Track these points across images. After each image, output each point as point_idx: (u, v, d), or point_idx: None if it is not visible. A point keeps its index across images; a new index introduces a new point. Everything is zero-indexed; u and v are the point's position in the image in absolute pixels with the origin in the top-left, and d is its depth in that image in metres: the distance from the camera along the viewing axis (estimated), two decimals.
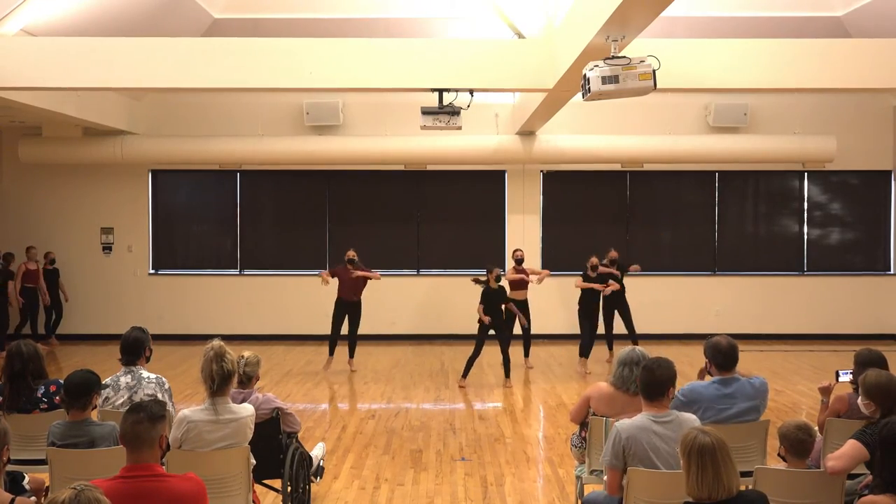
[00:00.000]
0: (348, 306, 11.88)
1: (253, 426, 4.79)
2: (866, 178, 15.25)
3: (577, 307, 12.05)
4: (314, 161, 14.50)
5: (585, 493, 5.03)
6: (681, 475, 3.58)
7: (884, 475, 3.76)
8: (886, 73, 9.16)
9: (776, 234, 15.39)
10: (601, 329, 12.16)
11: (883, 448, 3.79)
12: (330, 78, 9.29)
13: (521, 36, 9.53)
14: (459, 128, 9.63)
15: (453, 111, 9.42)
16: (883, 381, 4.51)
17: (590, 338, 11.81)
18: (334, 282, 11.92)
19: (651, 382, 4.38)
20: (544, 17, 9.19)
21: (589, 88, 6.91)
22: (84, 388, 4.73)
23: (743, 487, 3.83)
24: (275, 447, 5.44)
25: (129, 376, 5.39)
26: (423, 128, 9.63)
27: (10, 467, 4.66)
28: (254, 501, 4.75)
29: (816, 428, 5.23)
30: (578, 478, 5.46)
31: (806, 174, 15.19)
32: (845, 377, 5.41)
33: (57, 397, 5.31)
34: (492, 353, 11.38)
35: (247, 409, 4.81)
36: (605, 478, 4.40)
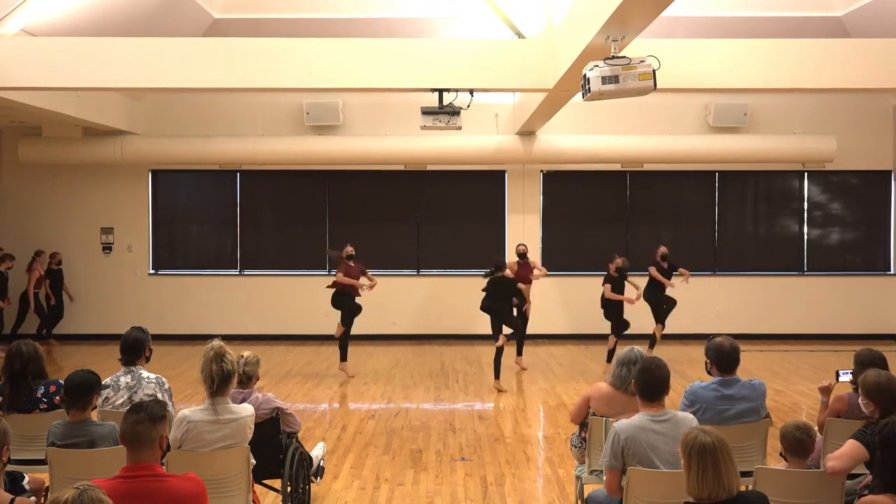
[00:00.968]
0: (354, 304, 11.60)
1: (253, 426, 4.79)
2: (866, 178, 15.25)
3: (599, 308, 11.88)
4: (314, 161, 14.50)
5: (585, 493, 5.02)
6: (680, 475, 3.58)
7: (884, 475, 3.76)
8: (886, 73, 9.16)
9: (776, 234, 15.39)
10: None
11: (883, 448, 3.79)
12: (330, 78, 9.29)
13: (521, 36, 9.53)
14: (459, 128, 9.63)
15: (453, 111, 9.42)
16: (883, 381, 4.51)
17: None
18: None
19: (653, 383, 4.39)
20: (544, 17, 9.19)
21: (589, 88, 6.91)
22: (84, 388, 4.73)
23: (743, 488, 3.83)
24: (275, 447, 5.43)
25: (129, 376, 5.39)
26: (423, 128, 9.63)
27: (10, 467, 4.66)
28: (254, 501, 4.75)
29: (816, 428, 5.24)
30: (578, 478, 5.47)
31: (806, 174, 15.19)
32: (845, 377, 5.41)
33: (57, 397, 5.31)
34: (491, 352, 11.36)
35: (247, 409, 4.81)
36: (605, 478, 4.40)
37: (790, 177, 15.25)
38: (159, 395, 5.28)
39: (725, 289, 15.11)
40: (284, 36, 10.76)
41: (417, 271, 15.21)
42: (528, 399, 10.30)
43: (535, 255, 14.77)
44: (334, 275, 11.55)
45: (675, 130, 14.43)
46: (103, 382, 5.17)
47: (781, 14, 11.82)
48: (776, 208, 15.44)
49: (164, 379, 5.47)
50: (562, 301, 14.79)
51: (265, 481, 5.63)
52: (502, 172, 15.09)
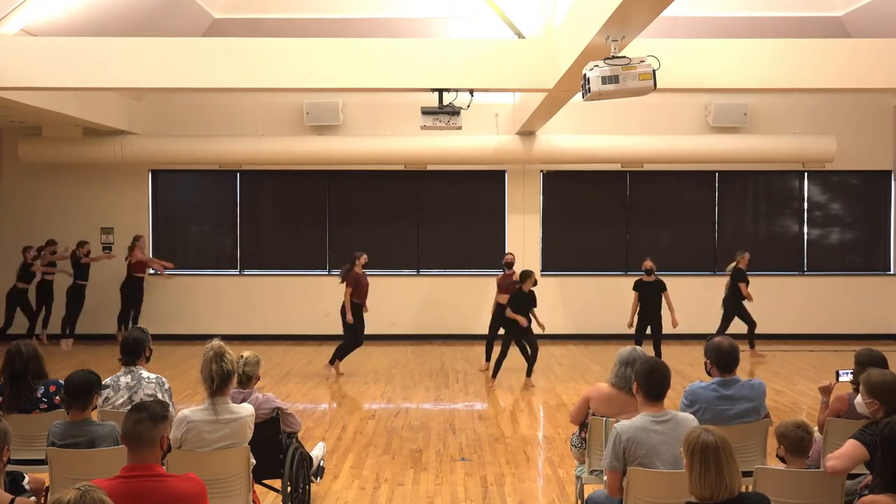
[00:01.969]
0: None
1: (253, 426, 4.80)
2: (866, 178, 15.26)
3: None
4: (314, 161, 14.50)
5: (586, 494, 5.02)
6: (681, 475, 3.58)
7: (884, 475, 3.76)
8: (886, 73, 9.17)
9: (776, 234, 15.39)
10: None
11: (883, 448, 3.79)
12: (330, 78, 9.29)
13: (521, 36, 9.53)
14: (459, 128, 9.63)
15: (453, 111, 9.43)
16: (889, 380, 4.50)
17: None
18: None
19: (658, 381, 4.40)
20: (544, 17, 9.19)
21: (589, 88, 6.91)
22: (84, 388, 4.73)
23: (743, 488, 3.83)
24: (275, 447, 5.44)
25: (129, 376, 5.39)
26: (423, 128, 9.64)
27: (10, 467, 4.66)
28: (254, 501, 4.75)
29: (816, 428, 5.24)
30: (578, 478, 5.47)
31: (806, 174, 15.19)
32: (845, 377, 5.41)
33: (57, 397, 5.31)
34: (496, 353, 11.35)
35: (246, 409, 4.81)
36: (606, 479, 4.40)
37: (790, 177, 15.25)
38: (159, 395, 5.28)
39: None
40: (284, 36, 10.77)
41: (417, 271, 15.21)
42: (528, 399, 10.30)
43: (535, 256, 14.80)
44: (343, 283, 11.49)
45: (674, 130, 14.43)
46: (103, 382, 5.17)
47: (781, 14, 11.82)
48: (776, 208, 15.44)
49: (164, 379, 5.48)
50: (562, 301, 14.79)
51: (265, 481, 5.63)
52: (502, 172, 15.09)
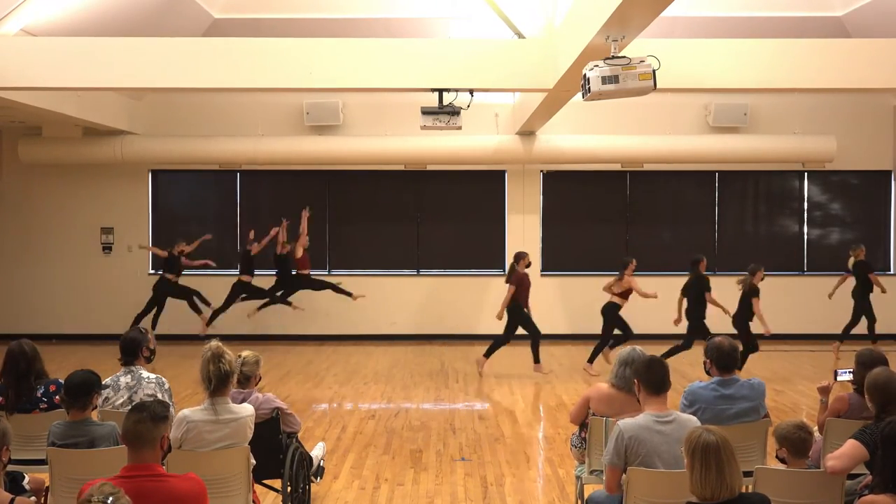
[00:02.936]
0: None
1: (253, 426, 4.80)
2: (866, 178, 15.25)
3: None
4: (314, 161, 14.49)
5: (586, 494, 5.03)
6: (681, 475, 3.58)
7: (884, 475, 3.76)
8: (886, 73, 9.16)
9: (776, 234, 15.38)
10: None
11: (883, 448, 3.79)
12: (330, 78, 9.29)
13: (521, 36, 9.52)
14: (459, 128, 9.63)
15: (453, 111, 9.42)
16: (892, 380, 4.50)
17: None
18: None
19: (657, 372, 4.42)
20: (544, 17, 9.19)
21: (589, 88, 6.91)
22: (84, 388, 4.74)
23: (743, 488, 3.83)
24: (275, 447, 5.44)
25: (129, 376, 5.40)
26: (423, 128, 9.63)
27: (10, 467, 4.66)
28: (254, 501, 4.75)
29: (816, 428, 5.24)
30: (578, 478, 5.47)
31: (806, 174, 15.18)
32: (843, 377, 5.41)
33: (57, 397, 5.31)
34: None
35: (246, 409, 4.81)
36: (605, 475, 4.40)
37: (790, 177, 15.24)
38: (159, 395, 5.28)
39: (725, 289, 15.04)
40: (284, 36, 10.76)
41: (417, 271, 15.20)
42: (528, 399, 10.30)
43: (535, 256, 14.76)
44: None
45: (674, 130, 14.42)
46: (103, 382, 5.17)
47: (781, 14, 11.81)
48: (776, 208, 15.43)
49: (164, 379, 5.48)
50: (562, 301, 14.78)
51: (265, 481, 5.63)
52: (502, 172, 15.09)
